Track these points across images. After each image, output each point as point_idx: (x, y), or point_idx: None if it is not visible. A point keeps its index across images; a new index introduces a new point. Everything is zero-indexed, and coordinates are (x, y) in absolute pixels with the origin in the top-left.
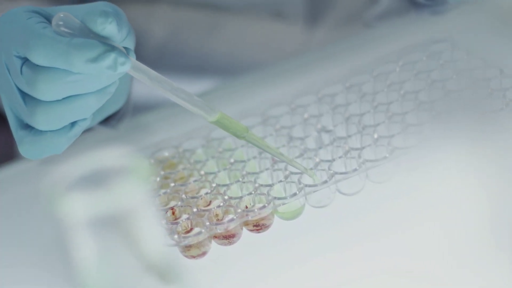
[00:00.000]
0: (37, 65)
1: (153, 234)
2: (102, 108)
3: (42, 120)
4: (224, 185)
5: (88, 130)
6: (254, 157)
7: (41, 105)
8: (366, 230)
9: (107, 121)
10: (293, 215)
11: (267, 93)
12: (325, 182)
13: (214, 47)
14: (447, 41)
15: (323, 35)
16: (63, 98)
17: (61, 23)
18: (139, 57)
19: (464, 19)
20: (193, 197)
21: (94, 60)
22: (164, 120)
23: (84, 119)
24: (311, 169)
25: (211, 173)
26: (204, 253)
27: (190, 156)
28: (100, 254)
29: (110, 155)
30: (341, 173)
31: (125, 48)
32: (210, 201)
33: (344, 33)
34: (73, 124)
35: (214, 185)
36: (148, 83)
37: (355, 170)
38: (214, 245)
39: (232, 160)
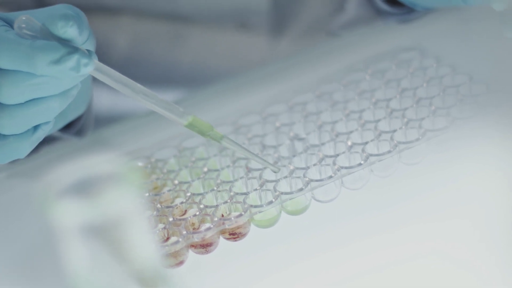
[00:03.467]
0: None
1: (143, 241)
2: (64, 113)
3: (5, 124)
4: (199, 194)
5: (52, 140)
6: (228, 166)
7: (4, 109)
8: (342, 235)
9: (69, 128)
10: (270, 223)
11: (237, 103)
12: (301, 189)
13: (178, 58)
14: (415, 49)
15: (288, 45)
16: (26, 102)
17: (23, 25)
18: None
19: (432, 27)
20: (168, 207)
21: (57, 61)
22: (134, 131)
23: (47, 123)
24: (283, 166)
25: (185, 183)
26: (181, 262)
27: (163, 166)
28: (90, 261)
29: (101, 161)
30: (316, 180)
31: (87, 50)
32: (186, 210)
33: (309, 42)
34: (36, 128)
35: (188, 194)
36: (112, 85)
37: (331, 177)
38: (191, 254)
39: (205, 169)
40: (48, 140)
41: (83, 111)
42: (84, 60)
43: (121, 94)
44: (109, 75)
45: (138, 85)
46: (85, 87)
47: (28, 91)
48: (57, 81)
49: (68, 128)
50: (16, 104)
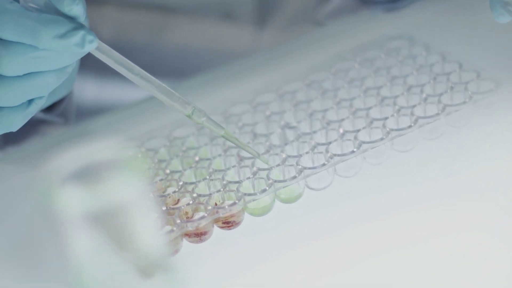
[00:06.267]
0: (2, 39)
1: (143, 228)
2: (54, 91)
3: (1, 95)
4: (191, 183)
5: (38, 123)
6: (220, 155)
7: (2, 81)
8: (336, 222)
9: (51, 110)
10: (263, 211)
11: (225, 92)
12: (294, 177)
13: (163, 49)
14: (403, 37)
15: (273, 35)
16: (24, 74)
17: None
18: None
19: (419, 15)
20: (160, 196)
21: (63, 36)
22: (122, 121)
23: (41, 98)
24: (278, 165)
25: (176, 172)
26: (176, 251)
27: (154, 156)
28: (91, 248)
29: (103, 148)
30: (309, 168)
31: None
32: (178, 200)
33: (294, 32)
34: (30, 101)
35: (181, 183)
36: (111, 65)
37: (324, 165)
38: (186, 243)
39: (197, 158)
40: (33, 124)
41: (67, 93)
42: (90, 37)
43: (107, 84)
44: (110, 55)
45: (137, 67)
46: (74, 68)
47: (28, 64)
48: (57, 56)
49: (50, 109)
50: (14, 76)
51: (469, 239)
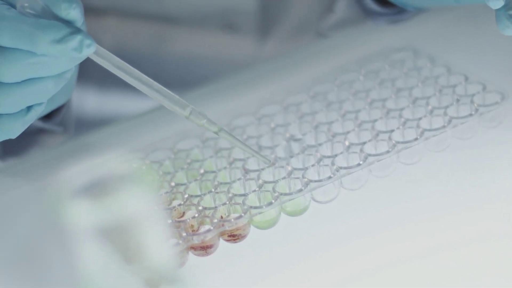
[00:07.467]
0: (0, 46)
1: (152, 241)
2: (52, 98)
3: (0, 102)
4: (196, 196)
5: (38, 132)
6: (225, 168)
7: (0, 87)
8: (342, 235)
9: (50, 118)
10: (269, 224)
11: (228, 104)
12: (300, 190)
13: (164, 60)
14: (408, 49)
15: (275, 46)
16: (23, 81)
17: (26, 4)
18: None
19: (423, 27)
20: (166, 209)
21: (60, 41)
22: (126, 132)
23: (40, 104)
24: (283, 178)
25: (181, 185)
26: (182, 264)
27: (159, 168)
28: (97, 261)
29: (107, 160)
30: (316, 181)
31: None
32: (184, 212)
33: (296, 43)
34: (29, 108)
35: (186, 196)
36: (111, 69)
37: (330, 177)
38: (191, 256)
39: (202, 171)
40: (32, 133)
41: (66, 100)
42: (88, 41)
43: (108, 95)
44: (108, 59)
45: (136, 71)
46: (73, 75)
47: (27, 70)
48: (55, 62)
49: (49, 117)
50: (12, 83)
51: (475, 251)
